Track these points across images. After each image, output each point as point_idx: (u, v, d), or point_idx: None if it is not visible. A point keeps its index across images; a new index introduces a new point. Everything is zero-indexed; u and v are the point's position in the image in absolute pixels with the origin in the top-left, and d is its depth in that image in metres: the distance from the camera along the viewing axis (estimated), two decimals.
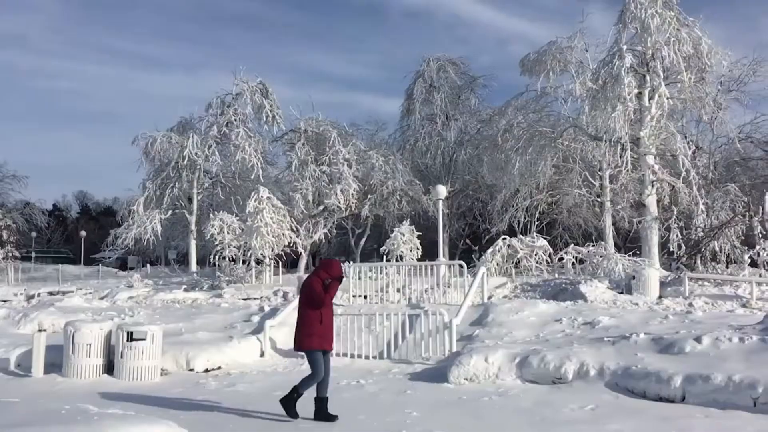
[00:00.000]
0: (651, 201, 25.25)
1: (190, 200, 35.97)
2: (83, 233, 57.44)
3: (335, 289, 7.30)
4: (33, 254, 53.57)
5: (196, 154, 33.80)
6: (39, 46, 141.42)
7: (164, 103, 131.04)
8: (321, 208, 33.45)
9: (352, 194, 32.61)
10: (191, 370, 10.58)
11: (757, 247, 20.57)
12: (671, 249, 23.71)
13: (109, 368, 10.16)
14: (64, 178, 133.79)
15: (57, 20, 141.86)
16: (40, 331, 12.37)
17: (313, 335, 7.11)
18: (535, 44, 31.26)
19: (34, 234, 54.06)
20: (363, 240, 38.50)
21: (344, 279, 7.56)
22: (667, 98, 24.31)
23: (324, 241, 36.35)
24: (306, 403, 7.24)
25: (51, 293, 24.04)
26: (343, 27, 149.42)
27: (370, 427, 6.95)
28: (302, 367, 10.85)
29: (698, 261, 22.32)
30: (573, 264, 22.53)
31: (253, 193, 28.53)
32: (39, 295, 23.44)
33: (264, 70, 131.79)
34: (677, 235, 23.58)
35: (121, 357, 9.88)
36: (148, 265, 52.33)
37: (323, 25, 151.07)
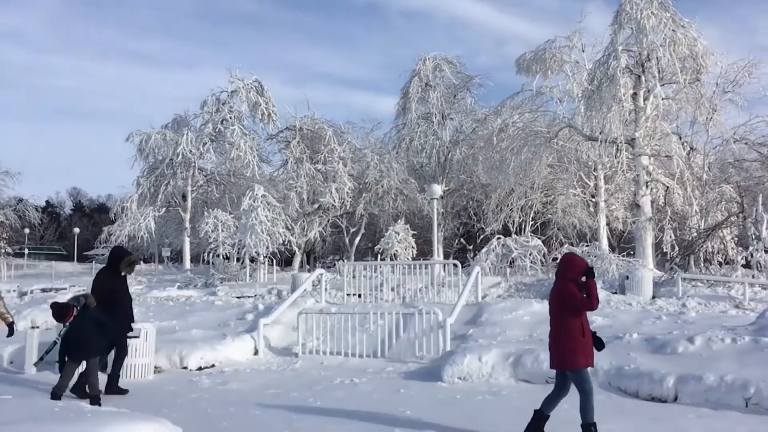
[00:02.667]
0: (645, 201, 25.33)
1: (184, 198, 35.93)
2: (76, 230, 57.33)
3: (596, 288, 6.19)
4: (26, 251, 53.37)
5: (190, 151, 33.74)
6: (35, 42, 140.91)
7: (161, 101, 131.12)
8: (316, 206, 33.46)
9: (347, 192, 32.64)
10: (185, 368, 10.55)
11: (750, 248, 20.65)
12: (665, 250, 23.81)
13: (103, 366, 10.11)
14: (58, 174, 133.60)
15: (54, 16, 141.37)
16: (33, 328, 12.35)
17: (577, 350, 6.09)
18: (533, 44, 31.24)
19: (27, 230, 53.90)
20: (357, 238, 38.53)
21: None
22: (663, 99, 24.38)
23: (318, 239, 36.37)
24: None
25: (44, 290, 23.97)
26: (341, 26, 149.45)
27: (364, 426, 6.94)
28: (296, 365, 10.86)
29: (692, 262, 22.41)
30: None
31: (247, 191, 28.57)
32: (32, 291, 23.36)
33: (262, 68, 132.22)
34: (671, 236, 23.68)
35: None
36: (141, 262, 52.19)
37: (322, 24, 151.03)
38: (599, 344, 6.28)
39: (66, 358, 8.05)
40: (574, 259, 6.31)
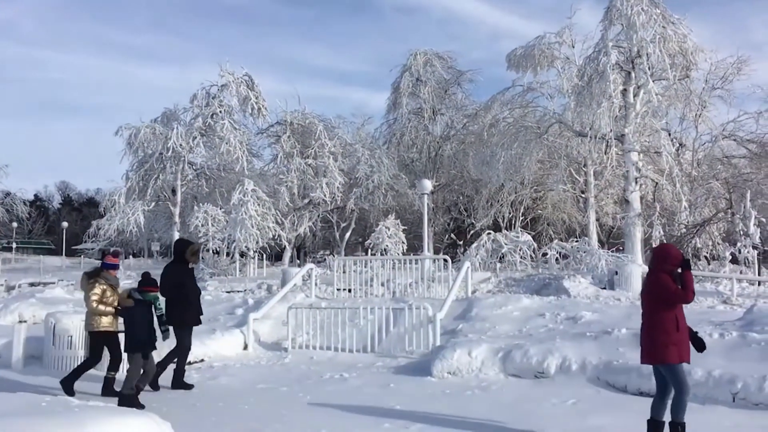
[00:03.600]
0: (634, 197, 25.44)
1: (173, 192, 35.70)
2: (65, 224, 56.93)
3: (692, 280, 5.87)
4: (14, 245, 52.99)
5: (180, 145, 33.51)
6: (25, 35, 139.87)
7: (152, 95, 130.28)
8: (306, 201, 33.40)
9: (338, 187, 32.60)
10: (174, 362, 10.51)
11: (738, 244, 20.80)
12: (653, 245, 23.91)
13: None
14: (47, 168, 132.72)
15: (44, 10, 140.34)
16: (20, 322, 12.24)
17: (669, 344, 5.77)
18: (528, 40, 31.20)
19: (14, 224, 53.49)
20: (348, 233, 38.51)
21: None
22: (656, 94, 24.46)
23: (309, 234, 36.32)
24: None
25: (32, 284, 23.87)
26: (335, 22, 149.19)
27: (354, 421, 6.94)
28: (285, 360, 10.83)
29: None
30: (557, 259, 22.69)
31: (237, 186, 28.47)
32: (20, 286, 23.25)
33: (255, 64, 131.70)
34: (660, 232, 23.79)
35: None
36: (130, 256, 52.07)
37: (316, 19, 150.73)
38: (699, 344, 6.01)
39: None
40: (670, 250, 6.01)
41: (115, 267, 8.62)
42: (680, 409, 5.87)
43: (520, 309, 12.83)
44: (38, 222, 72.14)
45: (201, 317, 9.19)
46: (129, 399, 7.58)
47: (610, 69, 24.09)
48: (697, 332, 6.11)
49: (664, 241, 23.29)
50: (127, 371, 7.95)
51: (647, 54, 24.40)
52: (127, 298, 8.07)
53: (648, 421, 6.02)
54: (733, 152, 29.41)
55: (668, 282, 5.80)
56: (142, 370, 8.00)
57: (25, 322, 12.41)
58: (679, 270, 5.86)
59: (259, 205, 27.88)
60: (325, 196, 32.26)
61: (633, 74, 25.34)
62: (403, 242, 27.53)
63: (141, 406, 7.30)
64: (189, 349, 9.01)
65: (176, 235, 35.84)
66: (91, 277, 8.38)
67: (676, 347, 5.77)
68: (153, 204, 34.96)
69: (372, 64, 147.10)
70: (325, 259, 31.79)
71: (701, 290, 16.99)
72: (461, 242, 34.65)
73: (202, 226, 27.47)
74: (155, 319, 8.32)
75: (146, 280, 8.23)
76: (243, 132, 34.90)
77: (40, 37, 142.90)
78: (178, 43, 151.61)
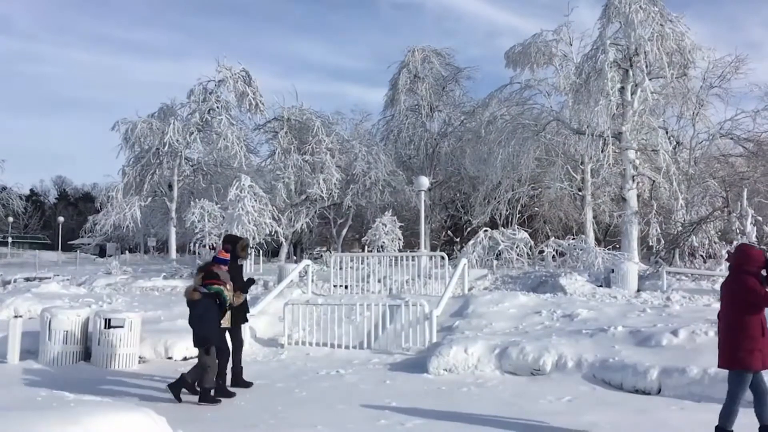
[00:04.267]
0: (631, 195, 25.46)
1: (170, 187, 35.65)
2: (61, 219, 56.82)
3: None
4: (9, 240, 52.88)
5: (177, 140, 33.46)
6: (21, 29, 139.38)
7: (149, 90, 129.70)
8: (303, 197, 33.38)
9: (335, 184, 32.59)
10: (169, 358, 10.49)
11: (735, 242, 20.82)
12: (650, 243, 23.95)
13: (86, 355, 10.05)
14: (43, 162, 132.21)
15: (40, 3, 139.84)
16: (16, 317, 12.23)
17: (754, 350, 5.47)
18: (526, 36, 31.27)
19: (10, 219, 53.41)
20: (344, 230, 38.51)
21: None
22: (651, 93, 24.48)
23: (305, 230, 36.31)
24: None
25: (28, 279, 23.79)
26: (332, 18, 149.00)
27: (350, 417, 6.94)
28: (282, 356, 10.82)
29: (676, 255, 22.56)
30: (553, 257, 22.70)
31: (234, 181, 28.40)
32: (15, 281, 23.18)
33: (252, 60, 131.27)
34: (656, 230, 23.81)
35: (99, 344, 9.77)
36: (126, 252, 51.97)
37: (312, 15, 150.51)
38: None
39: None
40: (752, 251, 5.70)
41: (226, 262, 8.32)
42: (729, 416, 5.69)
43: (516, 306, 12.84)
44: (34, 217, 72.04)
45: (248, 315, 9.08)
46: (208, 394, 7.61)
47: (608, 67, 24.09)
48: None
49: (662, 240, 23.32)
50: (203, 367, 7.75)
51: (645, 52, 24.41)
52: (193, 292, 7.89)
53: (760, 427, 5.76)
54: (730, 151, 29.46)
55: (755, 285, 5.51)
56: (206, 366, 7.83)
57: (20, 317, 12.39)
58: (764, 272, 5.61)
59: (255, 201, 27.83)
60: (322, 192, 32.25)
61: (631, 72, 25.35)
62: (399, 239, 27.52)
63: (218, 400, 7.53)
64: (242, 345, 8.91)
65: (173, 231, 35.86)
66: (201, 273, 8.18)
67: (761, 353, 5.51)
68: (149, 199, 34.92)
69: (370, 60, 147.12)
70: (321, 256, 31.76)
71: (697, 288, 17.01)
72: (458, 239, 34.64)
73: (199, 221, 27.41)
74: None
75: (209, 273, 8.05)
76: (240, 128, 34.89)
77: (37, 31, 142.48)
78: (175, 38, 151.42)
